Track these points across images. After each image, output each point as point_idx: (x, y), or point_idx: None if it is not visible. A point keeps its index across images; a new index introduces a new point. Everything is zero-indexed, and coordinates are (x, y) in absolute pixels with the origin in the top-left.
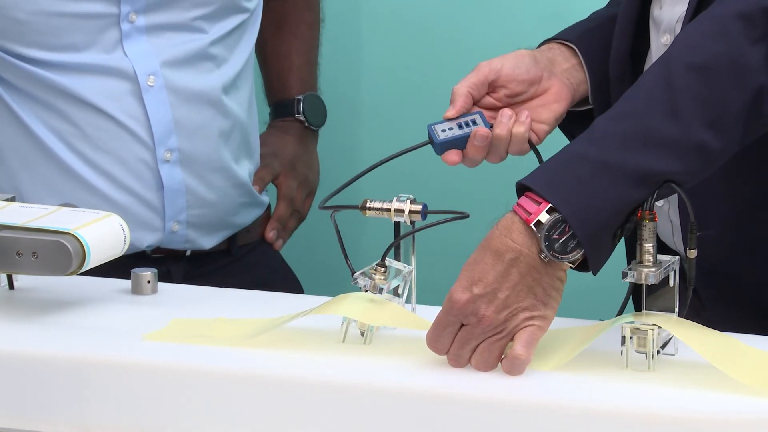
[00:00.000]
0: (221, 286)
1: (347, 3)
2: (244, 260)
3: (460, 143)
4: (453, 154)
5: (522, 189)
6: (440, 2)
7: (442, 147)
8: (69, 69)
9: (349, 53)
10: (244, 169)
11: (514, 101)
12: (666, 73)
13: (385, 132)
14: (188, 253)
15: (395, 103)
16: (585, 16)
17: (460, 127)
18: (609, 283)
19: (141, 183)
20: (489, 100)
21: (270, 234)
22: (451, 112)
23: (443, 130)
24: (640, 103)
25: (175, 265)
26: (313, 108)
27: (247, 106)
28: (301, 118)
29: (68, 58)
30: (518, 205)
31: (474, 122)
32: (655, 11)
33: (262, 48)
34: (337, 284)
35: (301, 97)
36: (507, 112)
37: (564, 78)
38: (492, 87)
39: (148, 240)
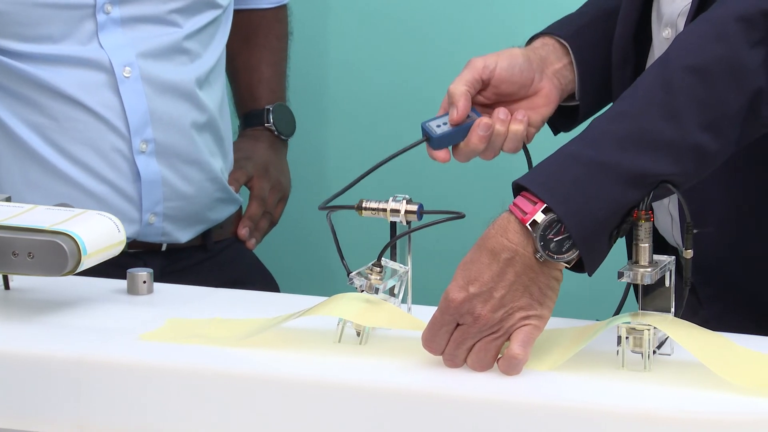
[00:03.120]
0: (199, 283)
1: (314, 4)
2: (220, 257)
3: (458, 137)
4: (443, 152)
5: (518, 189)
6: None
7: (440, 142)
8: (45, 60)
9: (316, 54)
10: (219, 165)
11: (503, 100)
12: (664, 75)
13: (353, 135)
14: (164, 247)
15: (363, 106)
16: (553, 11)
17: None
18: (608, 283)
19: (118, 174)
20: (478, 98)
21: (242, 231)
22: (456, 116)
23: (438, 126)
24: (637, 103)
25: (152, 260)
26: (282, 118)
27: (220, 104)
28: (272, 127)
29: (45, 49)
30: (514, 204)
31: (467, 116)
32: (658, 4)
33: (232, 60)
34: (312, 284)
35: (270, 107)
36: (502, 110)
37: (554, 79)
38: (483, 84)
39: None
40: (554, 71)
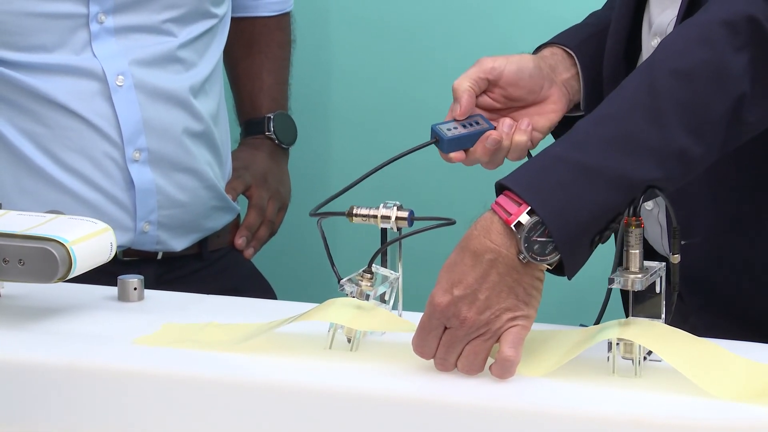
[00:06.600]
0: (194, 291)
1: (316, 7)
2: (216, 265)
3: (468, 141)
4: (458, 153)
5: (501, 188)
6: (413, 7)
7: (450, 144)
8: (39, 70)
9: (318, 62)
10: (215, 173)
11: (511, 105)
12: (649, 78)
13: (355, 143)
14: (159, 256)
15: (365, 114)
16: (550, 20)
17: (464, 126)
18: (591, 286)
19: (111, 182)
20: (486, 100)
21: (239, 241)
22: (459, 111)
23: (449, 129)
24: (622, 106)
25: (147, 268)
26: (283, 126)
27: (216, 112)
28: (272, 135)
29: (38, 58)
30: (497, 204)
31: (477, 122)
32: (648, 14)
33: (233, 68)
34: (311, 292)
35: (271, 115)
36: (508, 121)
37: (563, 87)
38: (491, 86)
39: (119, 240)
40: (563, 80)
